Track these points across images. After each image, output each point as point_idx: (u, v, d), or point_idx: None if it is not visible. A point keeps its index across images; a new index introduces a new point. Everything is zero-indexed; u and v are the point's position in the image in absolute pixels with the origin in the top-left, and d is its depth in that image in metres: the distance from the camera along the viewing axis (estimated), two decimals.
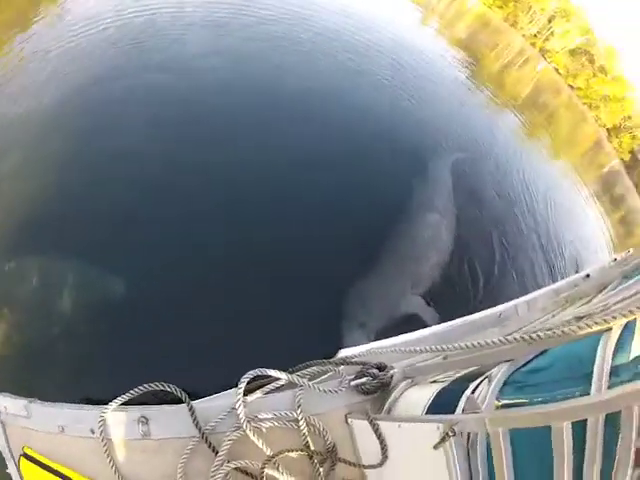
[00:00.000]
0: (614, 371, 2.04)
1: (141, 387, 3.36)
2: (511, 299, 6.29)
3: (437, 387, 3.20)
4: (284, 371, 3.62)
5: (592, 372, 2.08)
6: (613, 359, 2.08)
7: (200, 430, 3.10)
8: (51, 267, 6.30)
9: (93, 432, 3.10)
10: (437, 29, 26.33)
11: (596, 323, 2.17)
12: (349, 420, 3.60)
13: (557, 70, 75.80)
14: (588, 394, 2.00)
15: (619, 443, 1.87)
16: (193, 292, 6.35)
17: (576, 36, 76.06)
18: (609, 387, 1.97)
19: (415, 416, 3.16)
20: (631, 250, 17.57)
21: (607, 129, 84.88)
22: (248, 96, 10.60)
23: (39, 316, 6.14)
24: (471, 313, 5.40)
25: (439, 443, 2.48)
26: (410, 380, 3.65)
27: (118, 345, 6.05)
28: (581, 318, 2.30)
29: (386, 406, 3.53)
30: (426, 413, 3.05)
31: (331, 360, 3.74)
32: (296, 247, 6.99)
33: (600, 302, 3.68)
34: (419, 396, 3.28)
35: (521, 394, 2.38)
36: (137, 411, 3.23)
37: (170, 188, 7.68)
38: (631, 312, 2.03)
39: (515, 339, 2.51)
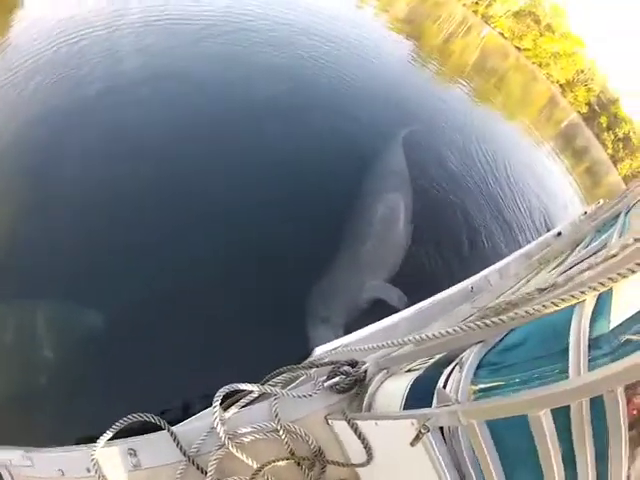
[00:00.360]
0: (594, 344, 1.83)
1: (122, 420, 3.41)
2: (483, 269, 6.19)
3: (412, 376, 3.06)
4: (256, 382, 3.56)
5: (568, 347, 1.88)
6: (591, 330, 1.88)
7: (185, 454, 3.17)
8: (22, 311, 6.11)
9: (89, 471, 3.15)
10: (377, 7, 26.07)
11: (563, 300, 1.94)
12: (330, 422, 3.53)
13: (502, 34, 76.46)
14: (567, 372, 1.83)
15: (608, 421, 1.70)
16: (158, 310, 6.17)
17: None
18: (590, 361, 1.77)
19: (387, 413, 3.09)
20: (601, 201, 17.70)
21: (560, 85, 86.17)
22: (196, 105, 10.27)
23: (19, 362, 6.01)
24: (443, 290, 5.29)
25: (415, 440, 2.34)
26: (385, 371, 3.54)
27: (99, 376, 5.91)
28: (545, 290, 2.11)
29: (365, 401, 3.43)
30: (404, 405, 2.91)
31: (301, 365, 3.65)
32: (250, 247, 6.76)
33: (573, 264, 3.52)
34: (396, 387, 3.15)
35: (497, 376, 2.22)
36: (125, 444, 3.28)
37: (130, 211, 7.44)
38: (602, 284, 1.83)
39: (477, 326, 2.32)
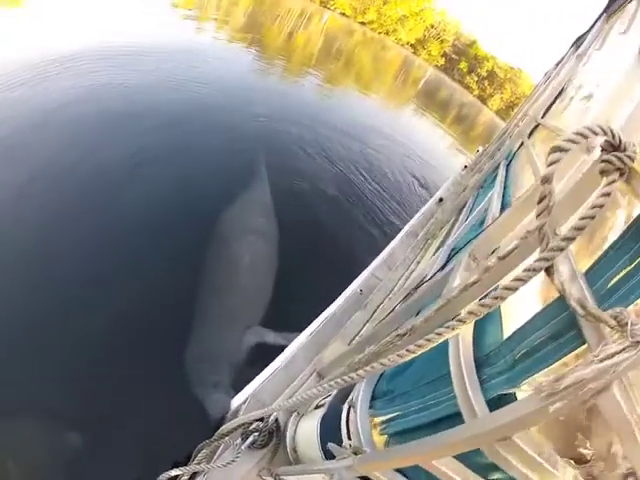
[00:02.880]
0: (485, 360, 1.70)
1: None
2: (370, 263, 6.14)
3: (320, 413, 3.05)
4: (178, 465, 3.43)
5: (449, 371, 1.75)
6: (479, 344, 1.79)
7: None
8: None
9: None
10: (217, 20, 25.76)
11: (428, 340, 1.61)
12: (263, 478, 3.41)
13: (344, 14, 77.37)
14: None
15: None
16: None
17: None
18: (483, 382, 1.62)
19: (300, 467, 3.03)
20: (480, 149, 18.14)
21: (411, 45, 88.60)
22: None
23: None
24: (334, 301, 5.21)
25: None
26: (296, 413, 3.52)
27: None
28: (405, 334, 2.04)
29: (288, 447, 3.37)
30: (320, 445, 2.84)
31: (214, 437, 3.55)
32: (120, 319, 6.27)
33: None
34: (309, 428, 3.10)
35: (393, 406, 2.19)
36: None
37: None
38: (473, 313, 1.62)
39: (350, 378, 2.21)
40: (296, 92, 19.37)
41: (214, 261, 6.78)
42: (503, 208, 3.73)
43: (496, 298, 1.35)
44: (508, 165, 5.84)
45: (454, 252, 4.02)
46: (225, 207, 8.24)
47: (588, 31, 7.31)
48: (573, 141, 1.10)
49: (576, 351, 1.25)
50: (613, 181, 1.15)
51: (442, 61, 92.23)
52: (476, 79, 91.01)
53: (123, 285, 6.20)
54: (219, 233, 7.46)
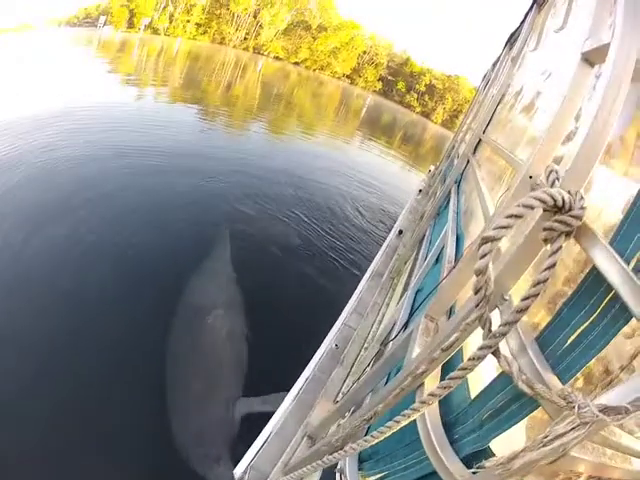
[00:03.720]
0: (454, 421, 1.72)
1: None
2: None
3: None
4: None
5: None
6: (448, 405, 1.80)
7: None
8: None
9: None
10: (156, 83, 25.52)
11: (397, 422, 1.66)
12: None
13: (278, 57, 78.23)
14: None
15: None
16: None
17: (285, 14, 77.80)
18: (454, 443, 1.64)
19: None
20: (431, 168, 18.20)
21: (347, 76, 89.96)
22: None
23: None
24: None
25: None
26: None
27: None
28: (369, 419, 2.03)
29: None
30: None
31: None
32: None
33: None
34: None
35: (380, 466, 2.18)
36: None
37: None
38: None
39: (323, 462, 2.23)
40: (243, 145, 19.20)
41: (181, 333, 6.63)
42: (458, 242, 3.67)
43: (453, 379, 1.34)
44: (458, 187, 5.76)
45: (419, 294, 3.94)
46: (186, 276, 8.05)
47: (520, 26, 7.15)
48: (504, 227, 0.98)
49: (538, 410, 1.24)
50: (559, 248, 1.06)
51: (380, 85, 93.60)
52: (416, 96, 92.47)
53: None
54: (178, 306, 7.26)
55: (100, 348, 6.33)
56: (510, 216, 1.00)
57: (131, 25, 50.61)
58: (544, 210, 1.07)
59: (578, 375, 1.20)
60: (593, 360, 1.15)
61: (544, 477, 1.33)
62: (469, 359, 1.24)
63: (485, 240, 1.01)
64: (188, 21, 60.09)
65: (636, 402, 0.92)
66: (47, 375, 5.81)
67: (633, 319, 1.02)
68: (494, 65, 9.89)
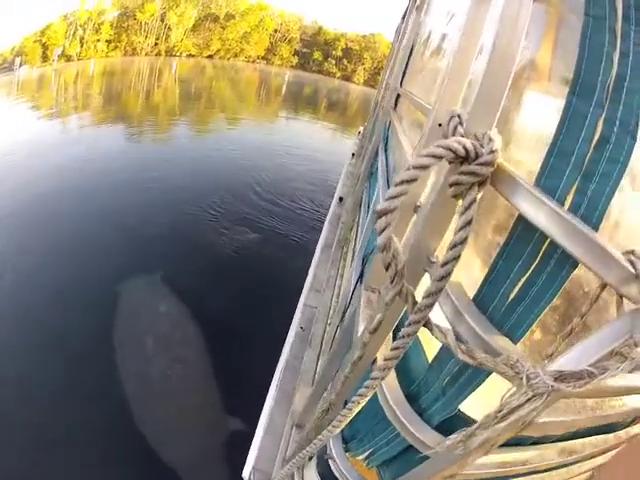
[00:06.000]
0: (417, 392, 1.66)
1: None
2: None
3: (314, 466, 2.92)
4: None
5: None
6: (407, 377, 1.73)
7: None
8: None
9: None
10: (77, 109, 24.78)
11: (357, 402, 1.62)
12: None
13: (191, 55, 76.84)
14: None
15: None
16: None
17: (191, 11, 75.83)
18: (423, 414, 1.59)
19: None
20: (360, 129, 18.18)
21: (262, 57, 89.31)
22: None
23: None
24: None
25: None
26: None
27: None
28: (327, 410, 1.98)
29: None
30: None
31: None
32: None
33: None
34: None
35: (364, 445, 2.17)
36: None
37: None
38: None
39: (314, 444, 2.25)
40: (172, 148, 18.82)
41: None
42: None
43: (388, 359, 1.27)
44: (386, 144, 5.68)
45: (366, 259, 3.87)
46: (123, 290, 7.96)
47: None
48: (397, 195, 0.85)
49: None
50: (472, 202, 0.94)
51: (296, 60, 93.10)
52: (333, 62, 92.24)
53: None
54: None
55: None
56: (402, 182, 0.86)
57: (45, 58, 49.00)
58: (449, 162, 0.95)
59: (534, 329, 1.13)
60: (546, 311, 1.07)
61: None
62: (400, 337, 1.16)
63: (380, 213, 0.88)
64: (98, 40, 58.24)
65: (598, 363, 0.82)
66: None
67: (580, 265, 0.93)
68: (403, 17, 9.80)
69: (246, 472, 3.89)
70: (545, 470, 1.85)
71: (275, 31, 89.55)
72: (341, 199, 8.79)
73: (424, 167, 0.86)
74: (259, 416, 4.26)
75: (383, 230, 0.89)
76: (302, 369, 4.63)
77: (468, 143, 0.90)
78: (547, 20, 1.55)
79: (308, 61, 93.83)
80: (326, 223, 8.17)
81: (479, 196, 0.95)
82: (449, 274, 0.97)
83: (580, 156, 1.01)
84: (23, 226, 10.22)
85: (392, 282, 1.04)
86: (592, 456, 2.03)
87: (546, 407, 0.85)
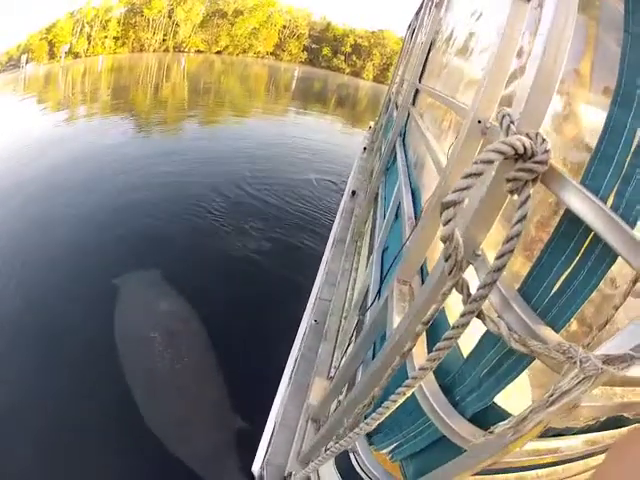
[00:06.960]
0: (452, 383, 1.68)
1: None
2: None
3: (332, 461, 2.94)
4: None
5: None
6: (442, 369, 1.70)
7: None
8: None
9: None
10: (86, 102, 24.73)
11: (393, 401, 1.67)
12: None
13: (199, 51, 76.63)
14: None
15: None
16: None
17: (199, 7, 75.61)
18: (457, 405, 1.61)
19: None
20: (371, 124, 18.14)
21: (271, 53, 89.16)
22: None
23: None
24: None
25: None
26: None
27: None
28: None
29: None
30: None
31: None
32: None
33: None
34: (327, 472, 3.06)
35: (390, 438, 2.16)
36: None
37: None
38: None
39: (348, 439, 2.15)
40: (181, 143, 18.63)
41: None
42: (414, 196, 3.65)
43: (440, 349, 1.30)
44: (403, 140, 5.70)
45: (386, 254, 3.90)
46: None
47: None
48: (464, 188, 0.91)
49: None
50: (527, 197, 1.01)
51: (305, 55, 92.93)
52: (343, 58, 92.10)
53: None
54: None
55: None
56: (469, 175, 0.93)
57: (52, 56, 48.87)
58: (505, 158, 1.01)
59: (572, 320, 1.17)
60: (585, 304, 1.11)
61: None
62: (453, 327, 1.20)
63: (446, 205, 0.94)
64: (106, 37, 58.18)
65: (637, 348, 0.88)
66: None
67: (619, 258, 0.98)
68: (417, 14, 9.79)
69: (257, 465, 3.85)
70: (569, 461, 1.88)
71: (284, 27, 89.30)
72: (354, 193, 8.77)
73: (490, 162, 0.93)
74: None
75: (448, 222, 0.95)
76: (317, 362, 4.62)
77: (527, 142, 0.97)
78: (587, 32, 1.61)
79: (317, 57, 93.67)
80: (337, 217, 8.14)
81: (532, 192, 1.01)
82: (504, 266, 1.03)
83: (620, 161, 1.05)
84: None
85: (450, 273, 1.09)
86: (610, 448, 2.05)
87: (593, 388, 0.90)
